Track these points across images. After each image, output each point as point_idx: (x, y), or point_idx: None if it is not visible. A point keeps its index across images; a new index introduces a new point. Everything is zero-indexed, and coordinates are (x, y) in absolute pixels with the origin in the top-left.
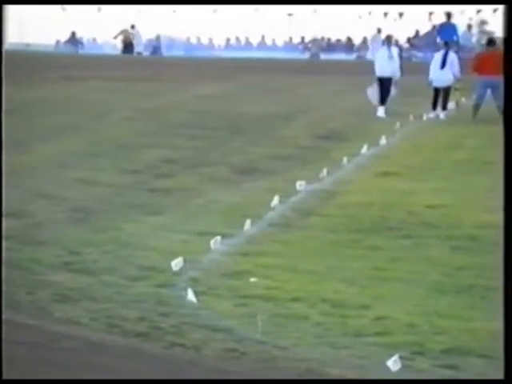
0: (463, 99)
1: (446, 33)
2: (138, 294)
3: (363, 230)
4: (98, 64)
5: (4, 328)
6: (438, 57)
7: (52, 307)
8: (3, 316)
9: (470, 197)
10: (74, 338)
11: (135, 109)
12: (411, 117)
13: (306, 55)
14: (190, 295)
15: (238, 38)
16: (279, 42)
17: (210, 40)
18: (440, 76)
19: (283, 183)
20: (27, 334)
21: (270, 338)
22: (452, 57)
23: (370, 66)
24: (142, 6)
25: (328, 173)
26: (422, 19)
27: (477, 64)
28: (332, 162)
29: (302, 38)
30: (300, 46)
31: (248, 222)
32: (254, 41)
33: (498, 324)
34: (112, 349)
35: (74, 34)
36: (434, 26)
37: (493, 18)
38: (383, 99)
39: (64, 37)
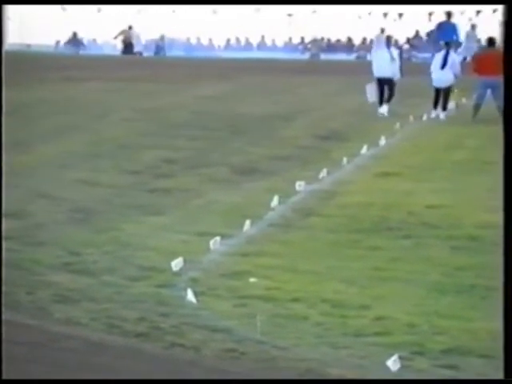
0: (463, 99)
1: (445, 33)
2: (138, 294)
3: (363, 230)
4: (98, 64)
5: (4, 328)
6: (438, 57)
7: (52, 307)
8: (3, 316)
9: (470, 197)
10: (74, 339)
11: (135, 109)
12: (411, 117)
13: (306, 55)
14: (190, 295)
15: (237, 39)
16: (279, 43)
17: (210, 40)
18: (441, 76)
19: (283, 183)
20: (27, 334)
21: (270, 339)
22: (453, 57)
23: (369, 66)
24: (142, 6)
25: (328, 173)
26: (421, 20)
27: (477, 64)
28: (332, 163)
29: (302, 39)
30: (300, 47)
31: (248, 223)
32: (254, 41)
33: (498, 324)
34: (112, 349)
35: (75, 34)
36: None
37: (493, 18)
38: (382, 99)
39: (64, 37)
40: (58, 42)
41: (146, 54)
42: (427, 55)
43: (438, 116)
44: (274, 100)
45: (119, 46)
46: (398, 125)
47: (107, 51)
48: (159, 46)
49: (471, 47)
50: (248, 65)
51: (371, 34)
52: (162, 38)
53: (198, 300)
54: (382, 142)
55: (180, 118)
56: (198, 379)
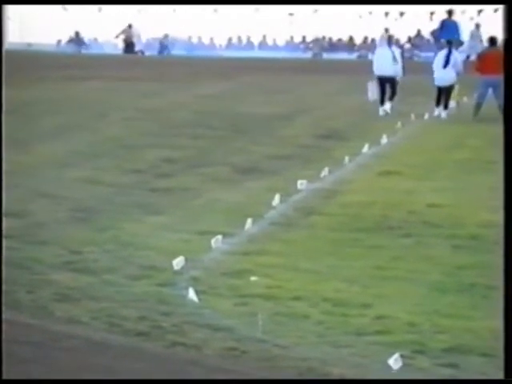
0: (465, 98)
1: (447, 31)
2: (139, 293)
3: (364, 229)
4: (99, 64)
5: (4, 327)
6: (440, 56)
7: (53, 306)
8: (4, 315)
9: (472, 196)
10: (75, 338)
11: (136, 108)
12: (413, 116)
13: (308, 55)
14: (191, 294)
15: (239, 38)
16: (280, 42)
17: (211, 40)
18: (443, 75)
19: (284, 182)
20: (28, 334)
21: (271, 337)
22: (455, 55)
23: (371, 65)
24: (143, 5)
25: (329, 172)
26: (423, 19)
27: (478, 63)
28: (333, 161)
29: (303, 38)
30: (301, 46)
31: (249, 221)
32: (256, 40)
33: (499, 323)
34: (113, 348)
35: (77, 33)
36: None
37: (493, 18)
38: (383, 98)
39: (65, 36)
40: (59, 41)
41: (149, 53)
42: (429, 54)
43: (439, 115)
44: (275, 99)
45: (120, 45)
46: (399, 124)
47: (108, 50)
48: (163, 45)
49: (475, 46)
50: (249, 64)
51: (372, 33)
52: (166, 36)
53: (199, 299)
54: (384, 140)
55: (181, 117)
56: (199, 379)
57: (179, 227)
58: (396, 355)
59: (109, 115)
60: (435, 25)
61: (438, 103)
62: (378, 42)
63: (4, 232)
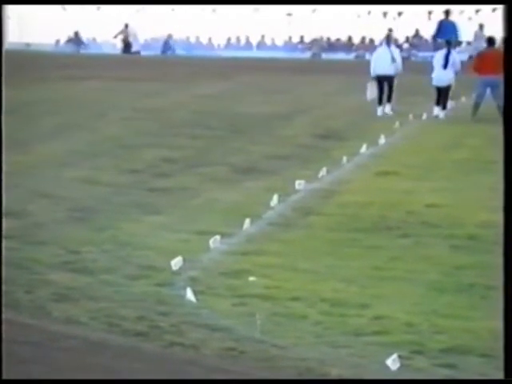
0: (463, 98)
1: (445, 31)
2: (138, 293)
3: (363, 229)
4: (98, 63)
5: (3, 327)
6: (439, 56)
7: (51, 306)
8: (2, 315)
9: (470, 196)
10: (74, 338)
11: (135, 108)
12: (411, 116)
13: (307, 55)
14: (189, 294)
15: (238, 38)
16: (279, 42)
17: (210, 39)
18: (442, 75)
19: (283, 182)
20: (26, 334)
21: (269, 337)
22: (454, 56)
23: (369, 65)
24: (141, 5)
25: (327, 172)
26: (421, 19)
27: (476, 63)
28: (332, 162)
29: (302, 38)
30: (299, 46)
31: (247, 222)
32: (254, 40)
33: (498, 323)
34: (111, 348)
35: (76, 33)
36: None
37: (492, 18)
38: (382, 98)
39: (64, 36)
40: (57, 41)
41: (147, 53)
42: (427, 54)
43: (437, 115)
44: (273, 99)
45: (119, 45)
46: (397, 124)
47: (107, 50)
48: (166, 45)
49: (480, 47)
50: (248, 64)
51: (370, 33)
52: (170, 36)
53: (197, 299)
54: (382, 141)
55: (180, 117)
56: (197, 379)
57: (177, 227)
58: (394, 356)
59: (107, 115)
60: (433, 24)
61: (437, 103)
62: (382, 41)
63: (3, 232)
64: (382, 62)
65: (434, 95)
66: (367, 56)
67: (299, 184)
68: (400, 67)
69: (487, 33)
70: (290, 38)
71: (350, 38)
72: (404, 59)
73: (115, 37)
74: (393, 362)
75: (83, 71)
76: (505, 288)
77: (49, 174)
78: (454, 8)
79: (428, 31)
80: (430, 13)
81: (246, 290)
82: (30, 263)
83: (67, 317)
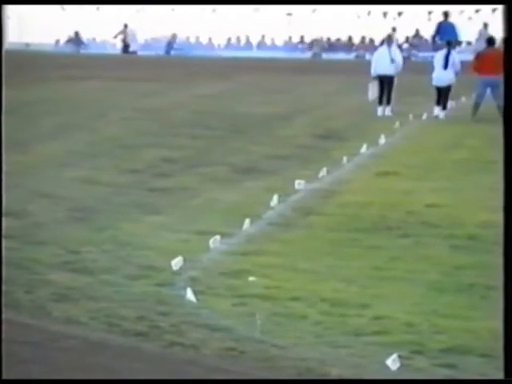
0: (463, 98)
1: (445, 32)
2: (138, 293)
3: (363, 229)
4: (98, 63)
5: (3, 327)
6: (439, 57)
7: (51, 306)
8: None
9: (470, 196)
10: (74, 338)
11: (135, 108)
12: (411, 116)
13: (308, 55)
14: (189, 294)
15: (238, 38)
16: (279, 42)
17: (210, 39)
18: (442, 76)
19: (283, 182)
20: (26, 334)
21: (269, 337)
22: (454, 56)
23: (369, 65)
24: (141, 5)
25: (328, 172)
26: (421, 19)
27: (477, 63)
28: (332, 162)
29: (302, 38)
30: (299, 46)
31: (247, 222)
32: (254, 40)
33: (497, 323)
34: (111, 348)
35: (77, 33)
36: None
37: (492, 18)
38: (382, 98)
39: (63, 36)
40: (57, 41)
41: (147, 53)
42: (427, 54)
43: (437, 115)
44: (273, 99)
45: (119, 45)
46: (397, 124)
47: (106, 50)
48: (170, 45)
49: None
50: (248, 64)
51: (370, 33)
52: (174, 36)
53: (197, 299)
54: (382, 141)
55: (180, 117)
56: (197, 379)
57: (177, 227)
58: (394, 356)
59: (107, 115)
60: (433, 25)
61: (437, 103)
62: (383, 41)
63: (3, 232)
64: (383, 62)
65: (434, 95)
66: (367, 56)
67: (299, 184)
68: (400, 67)
69: (493, 32)
70: (290, 38)
71: (350, 38)
72: (404, 59)
73: (115, 37)
74: (393, 362)
75: (83, 71)
76: (505, 288)
77: (49, 173)
78: (454, 8)
79: (428, 31)
80: (429, 13)
81: (246, 290)
82: (30, 263)
83: (67, 317)
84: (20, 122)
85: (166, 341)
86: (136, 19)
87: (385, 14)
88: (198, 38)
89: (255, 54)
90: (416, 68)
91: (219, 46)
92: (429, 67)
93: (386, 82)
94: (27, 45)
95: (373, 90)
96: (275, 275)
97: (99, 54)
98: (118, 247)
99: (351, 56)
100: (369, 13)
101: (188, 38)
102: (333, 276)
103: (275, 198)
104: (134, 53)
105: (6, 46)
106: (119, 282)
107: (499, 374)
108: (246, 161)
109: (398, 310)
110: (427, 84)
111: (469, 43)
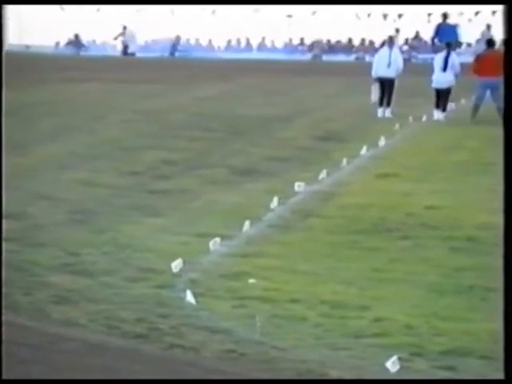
0: (463, 100)
1: (445, 34)
2: (137, 295)
3: (362, 231)
4: (98, 66)
5: (3, 329)
6: (439, 59)
7: (51, 308)
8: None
9: (469, 198)
10: (73, 340)
11: (135, 110)
12: (411, 118)
13: (308, 56)
14: (189, 296)
15: (238, 40)
16: (279, 44)
17: (210, 41)
18: (441, 78)
19: (283, 184)
20: (26, 336)
21: (269, 339)
22: (453, 58)
23: (369, 67)
24: (141, 6)
25: (327, 174)
26: (421, 20)
27: (476, 65)
28: (331, 164)
29: (302, 40)
30: (300, 48)
31: (247, 224)
32: (254, 42)
33: (497, 325)
34: (111, 350)
35: (77, 36)
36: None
37: (492, 20)
38: (383, 100)
39: (63, 38)
40: (57, 43)
41: (153, 55)
42: (427, 56)
43: (437, 117)
44: (274, 101)
45: (119, 47)
46: (397, 126)
47: (106, 52)
48: (174, 47)
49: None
50: (248, 66)
51: (370, 35)
52: (178, 38)
53: (197, 301)
54: (382, 142)
55: (180, 119)
56: (197, 379)
57: (177, 229)
58: (394, 358)
59: (107, 117)
60: (433, 26)
61: (437, 105)
62: (384, 43)
63: (3, 234)
64: (384, 64)
65: (433, 97)
66: (367, 58)
67: (299, 186)
68: (401, 69)
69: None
70: (291, 39)
71: (350, 40)
72: (404, 61)
73: (115, 38)
74: (392, 364)
75: (83, 73)
76: (504, 290)
77: (49, 175)
78: (454, 10)
79: (428, 33)
80: (429, 15)
81: (245, 292)
82: (30, 265)
83: (67, 319)
84: (20, 123)
85: (165, 343)
86: (136, 21)
87: (385, 16)
88: (197, 39)
89: (255, 55)
90: (416, 70)
91: (219, 47)
92: (429, 69)
93: (386, 84)
94: (27, 47)
95: (375, 92)
96: (275, 277)
97: (99, 56)
98: (118, 249)
99: (351, 58)
100: (369, 15)
101: (188, 40)
102: (332, 278)
103: (275, 200)
104: (133, 54)
105: (6, 48)
106: (119, 284)
107: (499, 376)
108: (246, 163)
109: (397, 311)
110: (427, 86)
111: (469, 45)
